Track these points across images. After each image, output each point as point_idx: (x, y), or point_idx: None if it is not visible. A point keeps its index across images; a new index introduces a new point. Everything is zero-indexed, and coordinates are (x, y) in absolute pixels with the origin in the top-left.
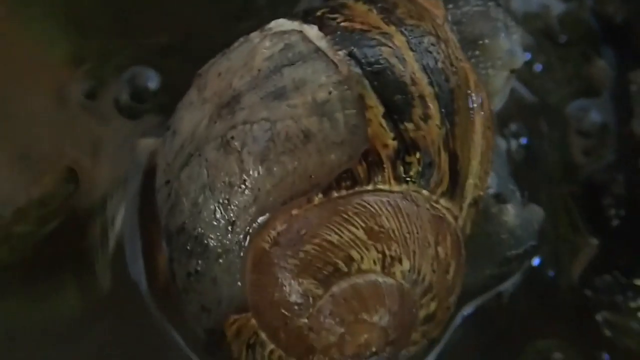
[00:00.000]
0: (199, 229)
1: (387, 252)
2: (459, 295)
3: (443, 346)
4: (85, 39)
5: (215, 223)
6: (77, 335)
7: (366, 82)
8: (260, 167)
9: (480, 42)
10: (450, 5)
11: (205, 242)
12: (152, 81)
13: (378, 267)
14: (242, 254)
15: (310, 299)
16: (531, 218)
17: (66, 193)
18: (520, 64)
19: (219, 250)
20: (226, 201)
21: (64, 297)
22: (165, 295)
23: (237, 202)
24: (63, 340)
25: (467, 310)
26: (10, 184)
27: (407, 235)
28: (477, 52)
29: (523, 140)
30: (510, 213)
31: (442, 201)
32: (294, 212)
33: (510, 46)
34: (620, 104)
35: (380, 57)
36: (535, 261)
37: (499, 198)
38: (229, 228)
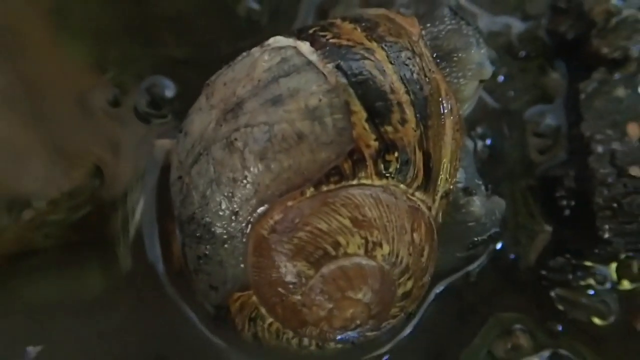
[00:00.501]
0: (207, 218)
1: (369, 238)
2: (433, 275)
3: (419, 319)
4: (109, 49)
5: (221, 213)
6: (102, 308)
7: (351, 90)
8: (260, 164)
9: (454, 55)
10: (429, 24)
11: (213, 229)
12: (169, 89)
13: (362, 251)
14: (244, 239)
15: (303, 278)
16: (494, 208)
17: (93, 187)
18: (489, 74)
19: (224, 236)
20: (230, 194)
21: (90, 277)
22: (179, 276)
23: (239, 195)
24: (89, 313)
25: (440, 287)
26: (44, 179)
27: (387, 224)
28: (451, 64)
29: (488, 141)
30: (477, 204)
31: (417, 194)
32: (289, 203)
33: (480, 59)
34: (571, 110)
35: (364, 69)
36: (498, 245)
37: (467, 191)
38: (233, 217)
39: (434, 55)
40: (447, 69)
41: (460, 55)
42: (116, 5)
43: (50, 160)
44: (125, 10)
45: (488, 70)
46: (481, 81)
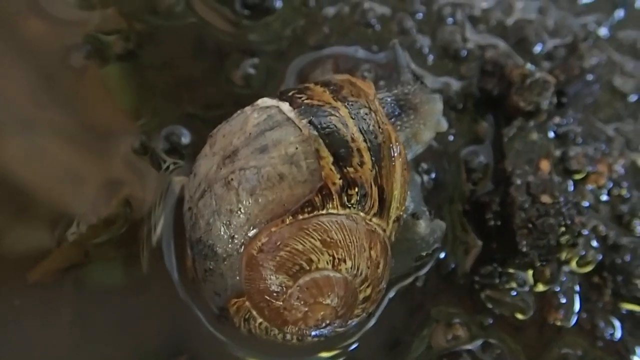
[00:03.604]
0: (211, 241)
1: (335, 255)
2: (388, 282)
3: (380, 315)
4: (146, 101)
5: (221, 237)
6: (125, 300)
7: (321, 140)
8: (250, 199)
9: (421, 106)
10: (400, 86)
11: (215, 249)
12: (185, 137)
13: (330, 266)
14: (239, 257)
15: (284, 288)
16: (436, 229)
17: (124, 213)
18: (445, 128)
19: (224, 255)
20: (228, 222)
21: (115, 276)
22: (190, 284)
23: (235, 223)
24: (115, 301)
25: (395, 290)
26: (90, 205)
27: (350, 244)
28: (417, 113)
29: (432, 175)
30: (422, 226)
31: (374, 219)
32: (273, 229)
33: (438, 115)
34: (496, 150)
35: (331, 123)
36: (441, 256)
37: (415, 215)
38: (230, 240)
39: (406, 107)
40: (412, 117)
41: (425, 107)
42: (149, 69)
43: (97, 190)
44: (157, 74)
45: (444, 125)
46: (437, 133)
